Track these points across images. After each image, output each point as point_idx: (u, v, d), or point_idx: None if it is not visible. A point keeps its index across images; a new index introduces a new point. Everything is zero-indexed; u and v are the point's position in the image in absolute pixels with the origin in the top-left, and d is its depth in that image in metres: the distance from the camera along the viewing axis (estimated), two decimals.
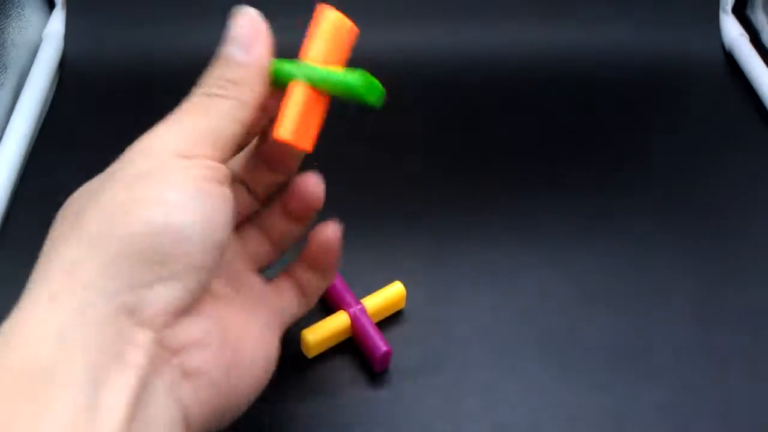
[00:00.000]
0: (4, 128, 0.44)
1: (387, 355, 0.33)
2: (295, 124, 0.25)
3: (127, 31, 0.50)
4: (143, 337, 0.22)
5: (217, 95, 0.26)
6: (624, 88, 0.50)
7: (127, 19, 0.50)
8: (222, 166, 0.25)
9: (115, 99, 0.47)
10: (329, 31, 0.27)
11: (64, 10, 0.50)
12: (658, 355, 0.35)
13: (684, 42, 0.52)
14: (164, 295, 0.22)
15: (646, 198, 0.42)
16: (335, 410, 0.32)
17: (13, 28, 0.47)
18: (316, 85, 0.26)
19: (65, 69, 0.49)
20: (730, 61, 0.52)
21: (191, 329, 0.23)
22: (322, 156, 0.44)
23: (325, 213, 0.39)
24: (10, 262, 0.38)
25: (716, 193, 0.43)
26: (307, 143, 0.26)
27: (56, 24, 0.50)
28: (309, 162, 0.44)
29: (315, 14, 0.27)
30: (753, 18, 0.55)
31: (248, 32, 0.27)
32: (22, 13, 0.49)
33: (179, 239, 0.22)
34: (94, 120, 0.46)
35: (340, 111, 0.48)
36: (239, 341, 0.25)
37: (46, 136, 0.45)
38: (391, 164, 0.44)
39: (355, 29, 0.27)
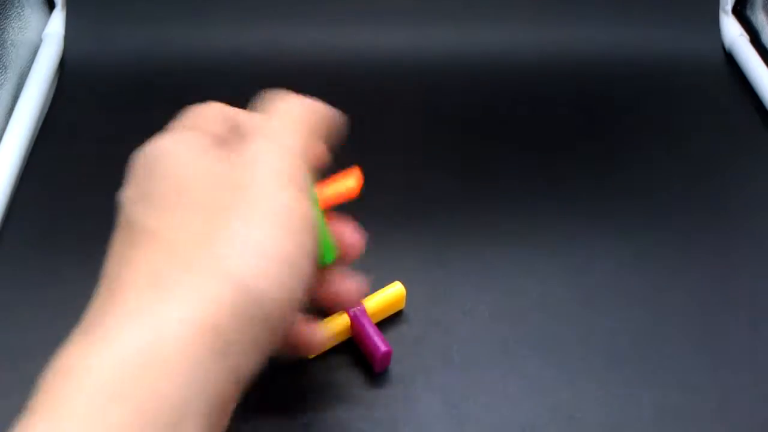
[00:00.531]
0: (4, 128, 0.44)
1: (387, 355, 0.33)
2: None
3: (127, 32, 0.50)
4: None
5: None
6: (624, 87, 0.50)
7: (127, 19, 0.50)
8: None
9: (115, 99, 0.47)
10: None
11: (64, 10, 0.50)
12: (658, 355, 0.35)
13: (684, 42, 0.52)
14: None
15: (646, 198, 0.42)
16: (335, 410, 0.32)
17: (13, 28, 0.47)
18: None
19: (65, 69, 0.49)
20: (730, 61, 0.52)
21: None
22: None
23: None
24: (10, 262, 0.38)
25: (716, 192, 0.43)
26: None
27: (56, 24, 0.50)
28: None
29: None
30: (753, 18, 0.55)
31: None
32: (22, 13, 0.49)
33: None
34: (94, 120, 0.46)
35: (338, 110, 0.48)
36: None
37: (46, 136, 0.45)
38: (392, 164, 0.44)
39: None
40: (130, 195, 0.24)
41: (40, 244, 0.39)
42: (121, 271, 0.23)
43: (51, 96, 0.47)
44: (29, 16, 0.50)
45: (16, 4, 0.48)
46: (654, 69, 0.51)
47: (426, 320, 0.36)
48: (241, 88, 0.49)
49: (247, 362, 0.22)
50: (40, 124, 0.45)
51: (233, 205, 0.23)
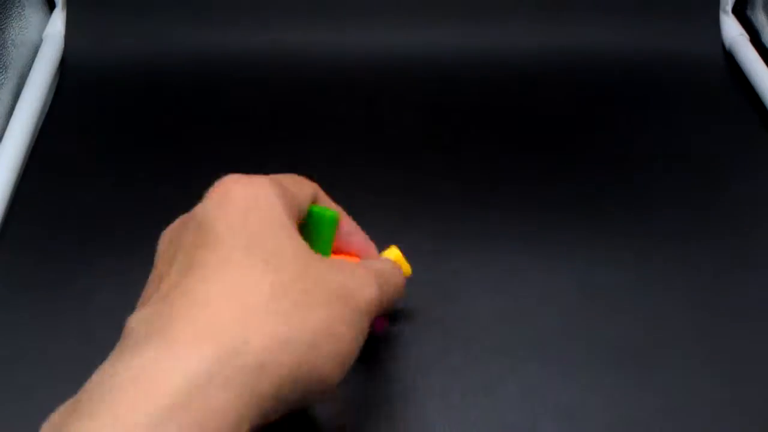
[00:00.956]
0: (4, 128, 0.44)
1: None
2: None
3: (127, 32, 0.50)
4: None
5: None
6: (624, 87, 0.50)
7: (127, 19, 0.50)
8: None
9: (115, 99, 0.47)
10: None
11: (64, 10, 0.50)
12: (659, 356, 0.35)
13: (684, 42, 0.52)
14: None
15: (646, 198, 0.42)
16: (333, 407, 0.32)
17: (13, 28, 0.47)
18: None
19: (65, 69, 0.49)
20: (730, 61, 0.52)
21: None
22: (323, 155, 0.44)
23: None
24: (10, 262, 0.38)
25: (716, 193, 0.43)
26: None
27: (56, 24, 0.50)
28: (312, 163, 0.44)
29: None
30: (753, 18, 0.55)
31: None
32: (22, 13, 0.49)
33: None
34: (94, 120, 0.46)
35: (339, 110, 0.48)
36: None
37: (46, 136, 0.45)
38: (392, 164, 0.44)
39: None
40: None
41: (40, 244, 0.39)
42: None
43: (51, 96, 0.47)
44: (29, 16, 0.50)
45: (17, 4, 0.48)
46: (654, 69, 0.51)
47: (426, 320, 0.36)
48: (240, 88, 0.49)
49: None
50: (40, 124, 0.45)
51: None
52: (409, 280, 0.35)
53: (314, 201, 0.30)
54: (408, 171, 0.44)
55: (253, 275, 0.24)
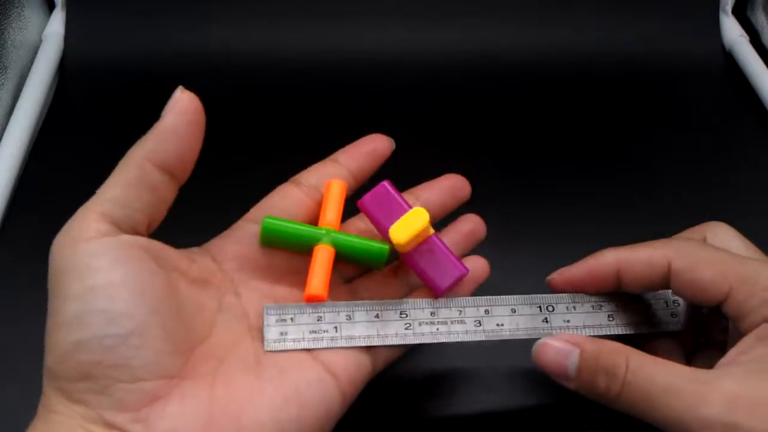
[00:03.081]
0: (4, 128, 0.44)
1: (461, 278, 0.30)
2: (323, 282, 0.28)
3: (127, 32, 0.50)
4: None
5: None
6: (624, 88, 0.50)
7: (127, 19, 0.50)
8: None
9: (115, 99, 0.47)
10: (338, 198, 0.30)
11: (64, 11, 0.50)
12: None
13: (684, 42, 0.52)
14: None
15: (646, 198, 0.42)
16: None
17: (13, 28, 0.47)
18: (340, 250, 0.29)
19: (65, 69, 0.49)
20: (730, 61, 0.52)
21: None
22: (323, 155, 0.44)
23: None
24: (10, 262, 0.38)
25: (716, 192, 0.43)
26: (325, 293, 0.28)
27: (56, 24, 0.50)
28: (312, 162, 0.44)
29: (326, 186, 0.31)
30: (753, 19, 0.55)
31: None
32: (22, 14, 0.49)
33: None
34: (94, 120, 0.46)
35: (340, 112, 0.48)
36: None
37: (46, 136, 0.45)
38: (392, 163, 0.44)
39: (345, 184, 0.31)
40: None
41: (40, 244, 0.39)
42: None
43: (51, 96, 0.47)
44: (29, 16, 0.50)
45: (16, 4, 0.48)
46: (654, 69, 0.51)
47: None
48: (240, 88, 0.49)
49: None
50: (40, 124, 0.45)
51: None
52: None
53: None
54: (408, 170, 0.44)
55: None
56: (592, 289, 0.30)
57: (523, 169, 0.44)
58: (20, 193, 0.41)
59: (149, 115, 0.49)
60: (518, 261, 0.39)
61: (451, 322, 0.29)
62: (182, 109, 0.28)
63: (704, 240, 0.29)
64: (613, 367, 0.25)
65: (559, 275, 0.31)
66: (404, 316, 0.29)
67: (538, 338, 0.28)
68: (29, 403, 0.24)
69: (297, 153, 0.44)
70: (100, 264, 0.23)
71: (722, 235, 0.29)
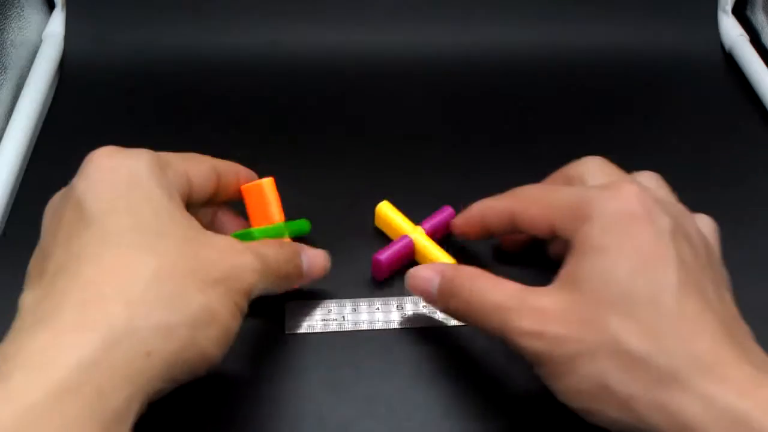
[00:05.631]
0: (4, 128, 0.44)
1: (377, 263, 0.36)
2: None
3: (127, 32, 0.50)
4: None
5: None
6: (624, 87, 0.50)
7: (127, 19, 0.50)
8: None
9: (115, 99, 0.47)
10: (272, 195, 0.35)
11: (64, 11, 0.50)
12: None
13: (684, 42, 0.52)
14: None
15: None
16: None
17: (13, 28, 0.47)
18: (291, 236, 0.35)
19: (65, 69, 0.49)
20: (730, 61, 0.52)
21: None
22: (323, 155, 0.44)
23: (326, 208, 0.39)
24: (10, 263, 0.37)
25: (716, 192, 0.43)
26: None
27: (56, 24, 0.50)
28: (312, 162, 0.44)
29: (246, 192, 0.35)
30: (753, 18, 0.55)
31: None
32: (22, 14, 0.49)
33: None
34: (94, 120, 0.46)
35: (339, 111, 0.48)
36: None
37: (46, 136, 0.45)
38: (392, 163, 0.44)
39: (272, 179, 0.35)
40: None
41: None
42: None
43: (51, 96, 0.47)
44: (29, 16, 0.50)
45: (16, 4, 0.48)
46: (654, 69, 0.51)
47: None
48: (240, 88, 0.49)
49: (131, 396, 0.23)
50: (40, 124, 0.45)
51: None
52: None
53: (218, 179, 0.31)
54: (409, 170, 0.44)
55: (137, 259, 0.25)
56: (475, 236, 0.35)
57: (523, 169, 0.44)
58: (20, 193, 0.41)
59: (149, 115, 0.49)
60: (517, 258, 0.39)
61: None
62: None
63: (578, 174, 0.33)
64: (459, 290, 0.30)
65: (452, 225, 0.36)
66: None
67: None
68: None
69: (297, 152, 0.44)
70: None
71: (587, 165, 0.33)
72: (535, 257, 0.38)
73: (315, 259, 0.33)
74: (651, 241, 0.26)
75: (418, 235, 0.37)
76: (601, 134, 0.46)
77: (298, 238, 0.36)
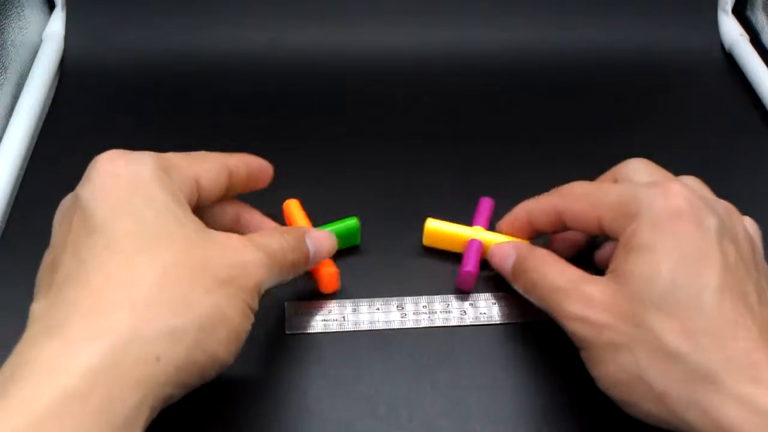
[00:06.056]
0: (4, 128, 0.44)
1: (469, 276, 0.35)
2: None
3: (127, 32, 0.50)
4: None
5: None
6: (624, 87, 0.50)
7: (127, 19, 0.50)
8: None
9: (115, 99, 0.47)
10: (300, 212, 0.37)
11: (64, 11, 0.50)
12: None
13: (684, 42, 0.52)
14: None
15: None
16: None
17: (13, 28, 0.47)
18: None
19: (65, 69, 0.49)
20: (730, 61, 0.52)
21: None
22: (324, 154, 0.44)
23: (326, 208, 0.39)
24: (10, 263, 0.38)
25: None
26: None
27: (56, 24, 0.50)
28: (312, 162, 0.44)
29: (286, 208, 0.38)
30: (753, 18, 0.55)
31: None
32: (22, 14, 0.49)
33: None
34: (94, 120, 0.46)
35: (340, 110, 0.48)
36: None
37: (46, 136, 0.45)
38: (391, 162, 0.44)
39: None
40: None
41: (41, 244, 0.39)
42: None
43: (51, 96, 0.47)
44: (29, 16, 0.50)
45: (16, 4, 0.48)
46: (654, 69, 0.51)
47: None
48: (240, 88, 0.49)
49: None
50: (40, 124, 0.45)
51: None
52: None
53: (229, 176, 0.31)
54: (408, 171, 0.44)
55: (142, 264, 0.25)
56: (522, 236, 0.36)
57: (523, 169, 0.44)
58: (20, 193, 0.41)
59: (149, 115, 0.49)
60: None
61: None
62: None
63: (624, 174, 0.33)
64: (529, 269, 0.32)
65: (498, 227, 0.37)
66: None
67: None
68: None
69: (297, 152, 0.44)
70: None
71: (633, 165, 0.33)
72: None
73: (320, 241, 0.32)
74: (697, 240, 0.27)
75: (482, 233, 0.37)
76: (600, 134, 0.46)
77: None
